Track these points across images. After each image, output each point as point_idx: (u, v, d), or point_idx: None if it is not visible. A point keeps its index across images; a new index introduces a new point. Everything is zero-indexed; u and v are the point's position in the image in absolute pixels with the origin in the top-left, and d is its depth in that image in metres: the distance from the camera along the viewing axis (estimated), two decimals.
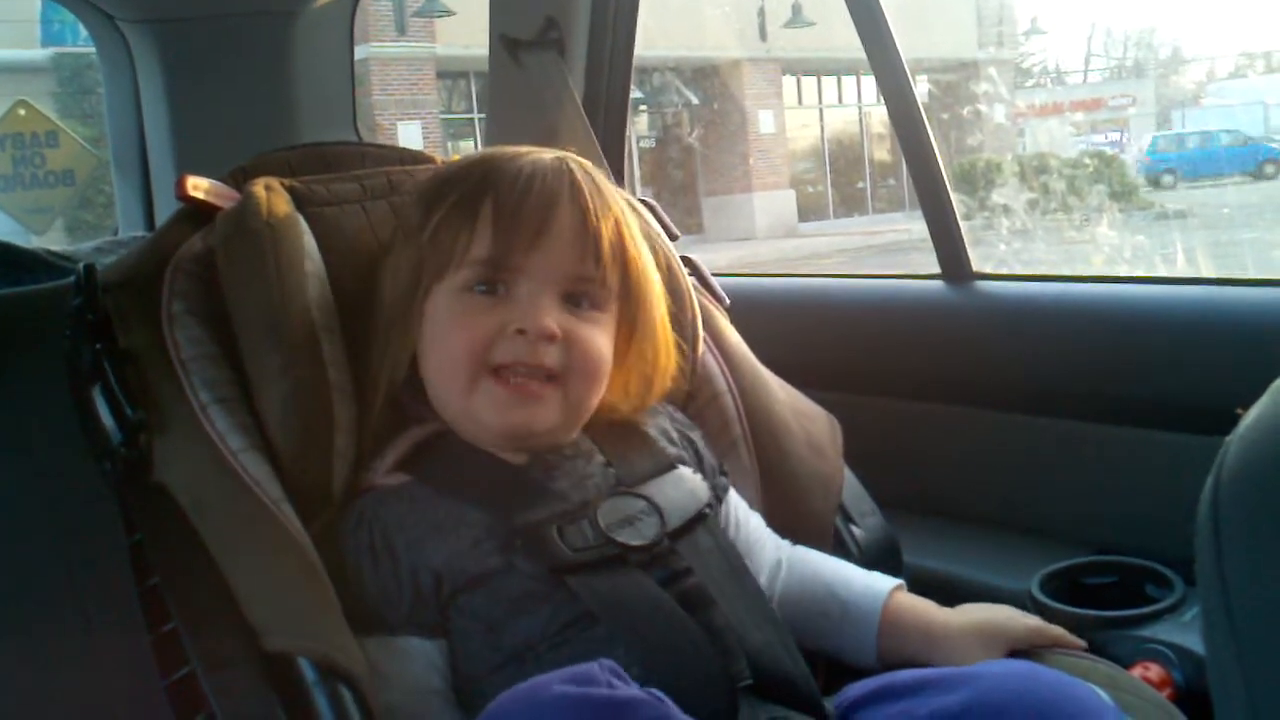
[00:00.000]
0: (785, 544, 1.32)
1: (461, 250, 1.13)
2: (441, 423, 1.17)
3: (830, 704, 1.08)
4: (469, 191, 1.15)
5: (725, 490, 1.28)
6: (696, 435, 1.30)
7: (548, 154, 1.19)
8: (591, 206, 1.15)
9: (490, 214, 1.13)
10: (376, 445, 1.17)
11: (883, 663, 1.21)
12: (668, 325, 1.25)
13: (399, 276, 1.17)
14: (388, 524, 1.08)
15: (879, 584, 1.27)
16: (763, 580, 1.25)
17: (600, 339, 1.15)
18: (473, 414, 1.13)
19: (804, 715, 1.04)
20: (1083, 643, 1.21)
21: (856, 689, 1.07)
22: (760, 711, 1.03)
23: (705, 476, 1.24)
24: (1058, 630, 1.21)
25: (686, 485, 1.18)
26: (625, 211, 1.21)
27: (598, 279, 1.15)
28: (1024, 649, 1.16)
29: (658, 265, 1.31)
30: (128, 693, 1.12)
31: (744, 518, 1.29)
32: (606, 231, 1.15)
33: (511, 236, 1.12)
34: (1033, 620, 1.22)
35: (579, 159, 1.21)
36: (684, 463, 1.22)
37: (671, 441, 1.25)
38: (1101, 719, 0.95)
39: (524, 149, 1.20)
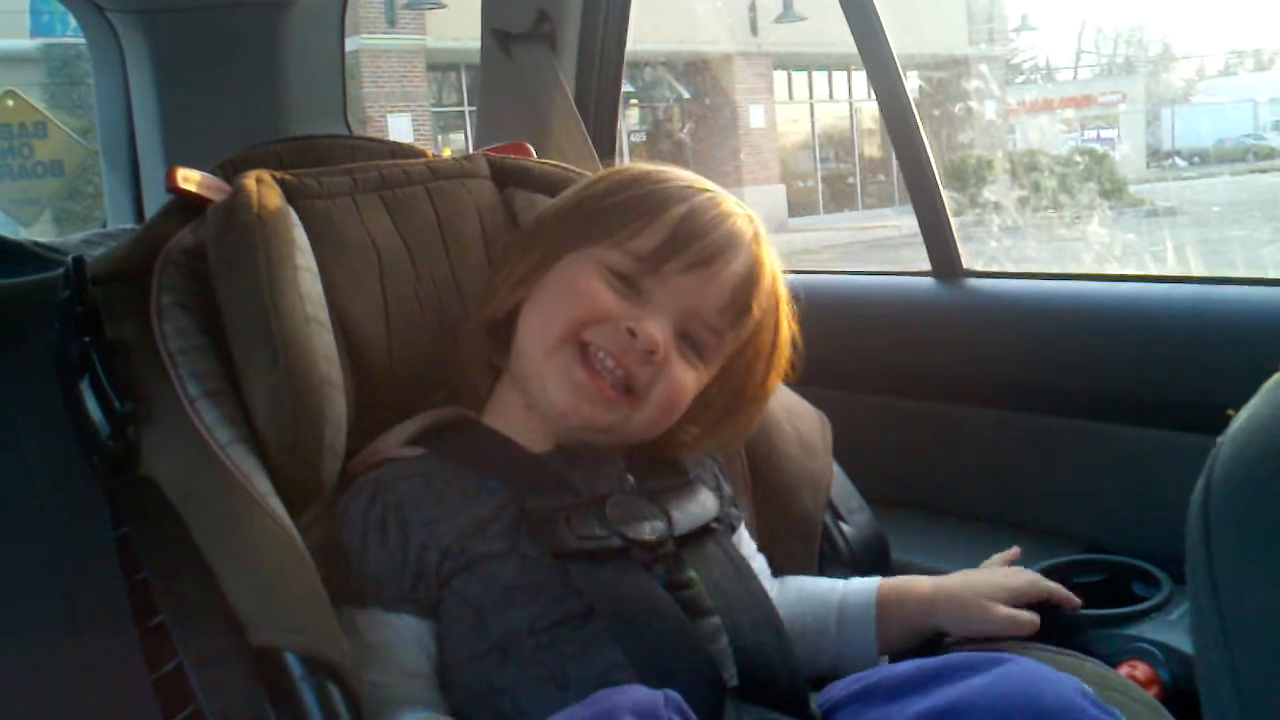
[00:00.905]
0: (774, 581, 1.33)
1: (628, 235, 1.16)
2: (465, 407, 1.20)
3: (814, 704, 1.09)
4: (664, 194, 1.18)
5: (738, 521, 1.29)
6: (715, 467, 1.31)
7: (743, 210, 1.22)
8: (764, 274, 1.18)
9: (675, 221, 1.16)
10: (375, 436, 1.18)
11: (889, 650, 1.25)
12: (752, 424, 1.28)
13: (535, 242, 1.21)
14: (403, 500, 1.09)
15: (866, 581, 1.30)
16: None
17: (690, 382, 1.16)
18: (544, 379, 1.14)
19: (787, 717, 1.05)
20: (1078, 600, 1.25)
21: (839, 688, 1.08)
22: (746, 713, 1.03)
23: (720, 503, 1.25)
24: (1054, 585, 1.26)
25: (699, 498, 1.19)
26: (782, 304, 1.23)
27: (723, 336, 1.17)
28: (1007, 643, 1.17)
29: None
30: (115, 687, 1.11)
31: (749, 555, 1.29)
32: (759, 304, 1.18)
33: (681, 249, 1.15)
34: (1030, 574, 1.27)
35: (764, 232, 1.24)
36: (700, 482, 1.23)
37: (694, 462, 1.26)
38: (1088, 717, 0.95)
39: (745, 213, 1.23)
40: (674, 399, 1.15)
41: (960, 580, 1.29)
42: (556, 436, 1.17)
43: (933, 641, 1.25)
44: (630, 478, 1.17)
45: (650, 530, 1.11)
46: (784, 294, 1.23)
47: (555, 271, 1.17)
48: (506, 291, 1.20)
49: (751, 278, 1.17)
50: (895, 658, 1.10)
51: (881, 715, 1.01)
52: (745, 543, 1.30)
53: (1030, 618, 1.23)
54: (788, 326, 1.24)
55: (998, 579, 1.28)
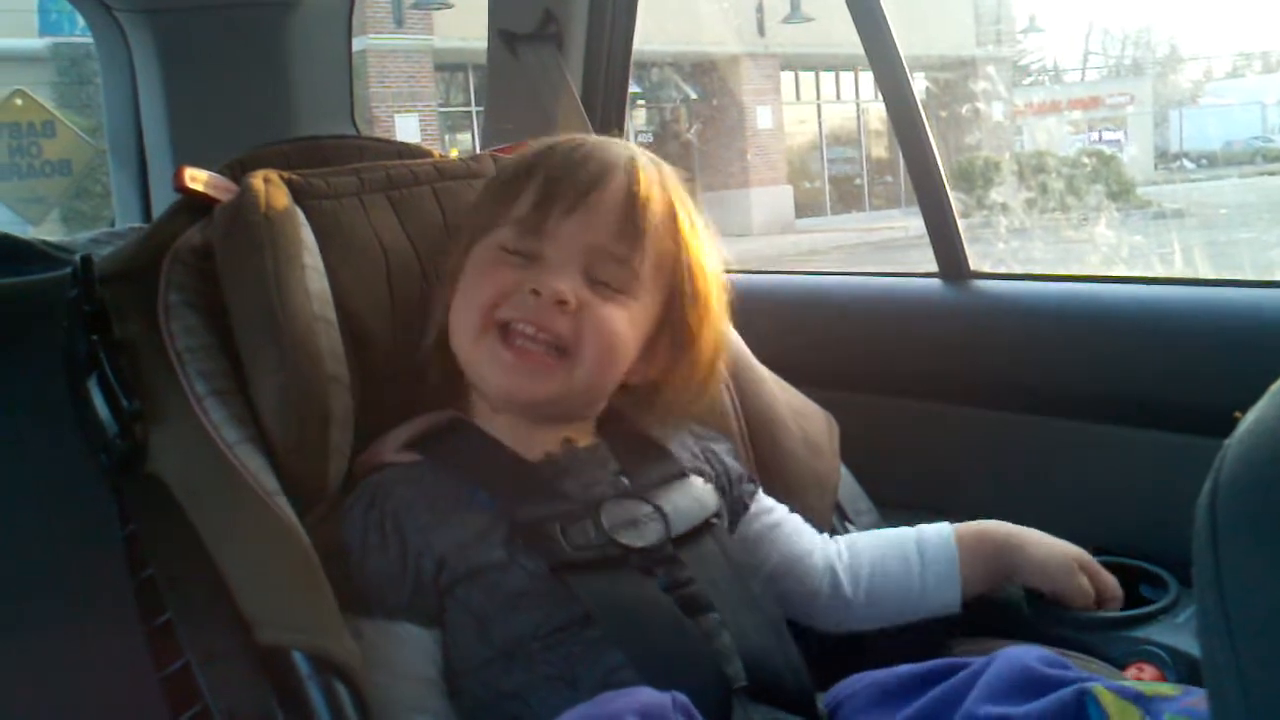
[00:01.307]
0: (830, 539, 1.34)
1: (505, 209, 1.16)
2: (460, 409, 1.19)
3: (820, 703, 1.09)
4: (527, 160, 1.20)
5: (752, 496, 1.29)
6: (721, 447, 1.31)
7: (622, 144, 1.21)
8: (644, 190, 1.16)
9: (541, 177, 1.16)
10: (382, 434, 1.18)
11: (970, 592, 1.29)
12: (716, 349, 1.25)
13: (457, 238, 1.21)
14: (399, 506, 1.08)
15: (938, 527, 1.33)
16: (818, 573, 1.29)
17: (618, 320, 1.14)
18: (479, 368, 1.15)
19: (795, 716, 1.05)
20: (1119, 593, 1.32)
21: (844, 688, 1.08)
22: (754, 713, 1.03)
23: (728, 487, 1.26)
24: (1110, 580, 1.32)
25: (694, 494, 1.18)
26: (690, 218, 1.21)
27: (629, 261, 1.15)
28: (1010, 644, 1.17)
29: None
30: (122, 685, 1.12)
31: (780, 518, 1.31)
32: (653, 219, 1.16)
33: (553, 196, 1.14)
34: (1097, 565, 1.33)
35: (658, 162, 1.23)
36: (698, 474, 1.22)
37: (695, 456, 1.25)
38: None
39: (617, 140, 1.23)
40: (607, 340, 1.14)
41: (1038, 533, 1.33)
42: (544, 435, 1.17)
43: (937, 644, 1.26)
44: (624, 479, 1.16)
45: (647, 534, 1.10)
46: (684, 210, 1.21)
47: (466, 266, 1.18)
48: (441, 296, 1.20)
49: (635, 195, 1.16)
50: (896, 661, 1.10)
51: (885, 713, 1.03)
52: (767, 514, 1.30)
53: (1111, 582, 1.32)
54: (703, 241, 1.23)
55: (1069, 546, 1.33)
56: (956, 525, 1.32)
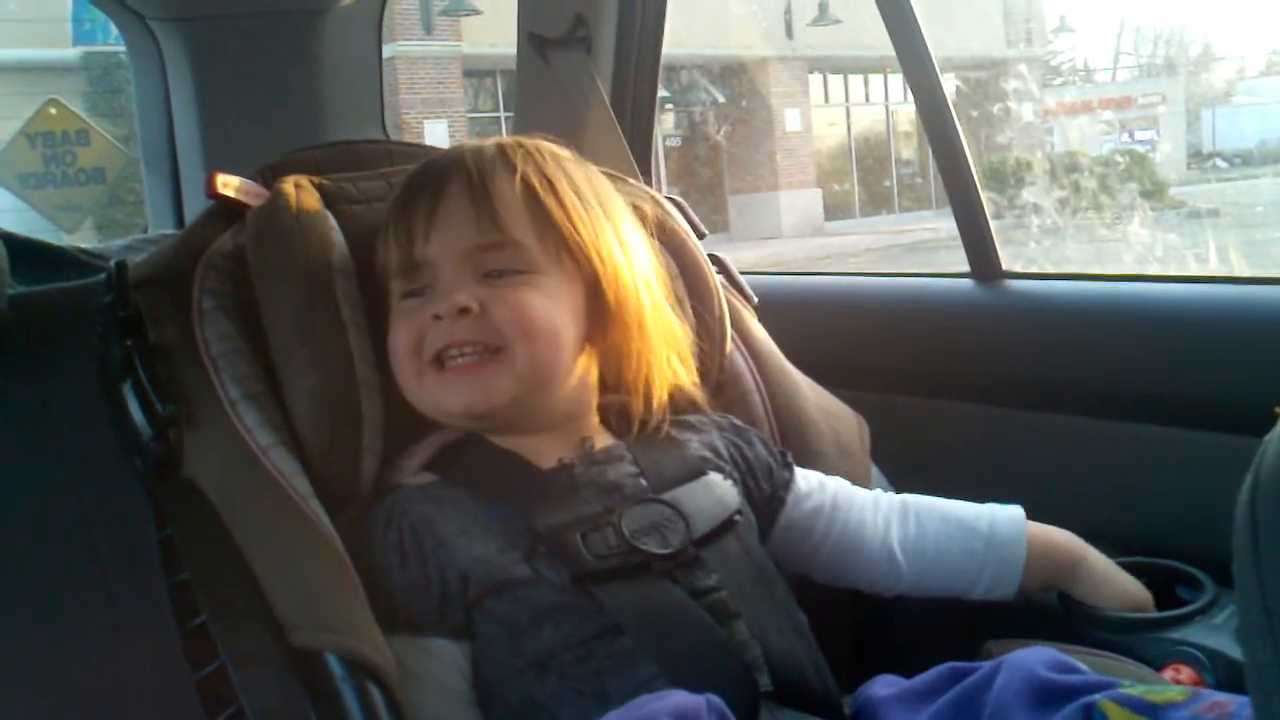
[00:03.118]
0: (895, 497, 1.35)
1: (386, 261, 1.16)
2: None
3: (846, 706, 1.08)
4: (391, 203, 1.19)
5: (787, 487, 1.29)
6: (753, 437, 1.30)
7: (469, 143, 1.20)
8: (476, 176, 1.14)
9: (392, 220, 1.16)
10: (408, 441, 1.18)
11: (1022, 593, 1.29)
12: (653, 295, 1.22)
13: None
14: (416, 523, 1.07)
15: (1011, 513, 1.32)
16: (880, 538, 1.29)
17: (531, 297, 1.12)
18: (434, 406, 1.14)
19: None
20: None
21: (869, 690, 1.08)
22: (781, 717, 1.02)
23: (758, 483, 1.25)
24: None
25: (715, 493, 1.17)
26: (566, 175, 1.19)
27: (505, 242, 1.13)
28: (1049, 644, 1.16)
29: (683, 261, 1.32)
30: (157, 687, 1.13)
31: (827, 499, 1.31)
32: (503, 193, 1.14)
33: (408, 229, 1.14)
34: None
35: (523, 139, 1.20)
36: (719, 471, 1.21)
37: (717, 454, 1.24)
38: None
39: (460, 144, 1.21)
40: (522, 317, 1.11)
41: (1111, 567, 1.33)
42: (558, 443, 1.16)
43: (971, 644, 1.25)
44: (643, 480, 1.16)
45: (668, 539, 1.09)
46: (567, 175, 1.19)
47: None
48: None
49: (473, 183, 1.14)
50: (926, 664, 1.09)
51: (912, 713, 1.02)
52: (808, 498, 1.30)
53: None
54: (591, 200, 1.19)
55: (1134, 588, 1.32)
56: (1030, 527, 1.31)
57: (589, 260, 1.16)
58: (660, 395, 1.23)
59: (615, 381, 1.22)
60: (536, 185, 1.15)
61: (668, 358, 1.23)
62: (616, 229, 1.20)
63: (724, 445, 1.26)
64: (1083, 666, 1.01)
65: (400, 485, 1.14)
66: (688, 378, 1.27)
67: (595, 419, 1.22)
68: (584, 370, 1.19)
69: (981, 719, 0.97)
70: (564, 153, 1.23)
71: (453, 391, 1.11)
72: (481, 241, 1.12)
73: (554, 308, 1.13)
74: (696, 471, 1.18)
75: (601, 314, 1.18)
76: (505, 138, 1.20)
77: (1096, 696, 0.93)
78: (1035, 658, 0.99)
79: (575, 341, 1.16)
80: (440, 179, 1.15)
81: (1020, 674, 0.97)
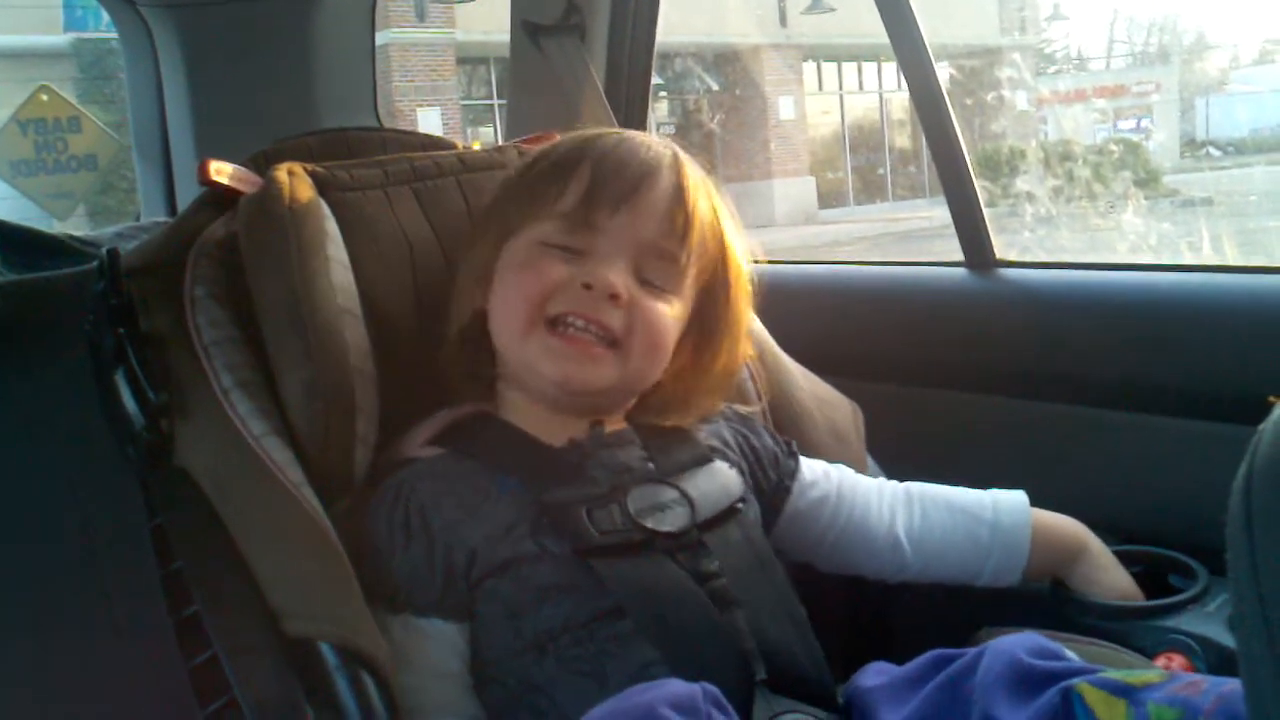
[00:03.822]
0: (899, 485, 1.35)
1: (550, 202, 1.16)
2: (483, 404, 1.19)
3: (840, 695, 1.09)
4: (568, 153, 1.19)
5: (793, 476, 1.30)
6: (758, 425, 1.32)
7: (660, 140, 1.22)
8: (690, 186, 1.17)
9: (587, 172, 1.15)
10: (405, 427, 1.18)
11: (1025, 579, 1.31)
12: (735, 349, 1.25)
13: (485, 232, 1.21)
14: (425, 502, 1.08)
15: (1015, 499, 1.33)
16: (885, 526, 1.30)
17: (667, 315, 1.15)
18: (529, 362, 1.14)
19: (816, 709, 1.05)
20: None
21: (861, 678, 1.09)
22: (775, 705, 1.03)
23: (764, 472, 1.26)
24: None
25: (720, 480, 1.18)
26: (727, 217, 1.23)
27: (677, 260, 1.16)
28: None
29: None
30: (150, 677, 1.12)
31: (832, 489, 1.32)
32: (700, 217, 1.17)
33: (602, 193, 1.14)
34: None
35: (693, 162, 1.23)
36: (724, 460, 1.22)
37: (724, 443, 1.25)
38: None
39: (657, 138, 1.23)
40: (656, 335, 1.14)
41: (1111, 559, 1.34)
42: (569, 425, 1.17)
43: (965, 632, 1.25)
44: (650, 464, 1.16)
45: (673, 519, 1.10)
46: (721, 209, 1.23)
47: (503, 260, 1.17)
48: (469, 291, 1.20)
49: (680, 194, 1.16)
50: (921, 653, 1.10)
51: (901, 700, 1.03)
52: (814, 487, 1.31)
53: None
54: (740, 241, 1.24)
55: (1126, 582, 1.33)
56: (1035, 514, 1.32)
57: (713, 301, 1.21)
58: (696, 408, 1.25)
59: (675, 389, 1.24)
60: (721, 225, 1.21)
61: (729, 380, 1.29)
62: (743, 269, 1.24)
63: (731, 435, 1.26)
64: (1066, 652, 1.02)
65: (408, 459, 1.14)
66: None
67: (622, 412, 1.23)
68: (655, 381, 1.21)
69: (966, 704, 0.98)
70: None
71: (559, 358, 1.12)
72: (662, 247, 1.15)
73: (674, 327, 1.17)
74: (703, 458, 1.19)
75: (686, 346, 1.21)
76: (679, 152, 1.22)
77: (1074, 680, 0.94)
78: (1018, 643, 1.00)
79: (668, 361, 1.19)
80: (652, 166, 1.17)
81: (1002, 659, 0.98)
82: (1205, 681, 0.90)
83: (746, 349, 1.29)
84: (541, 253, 1.14)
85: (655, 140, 1.21)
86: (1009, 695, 0.96)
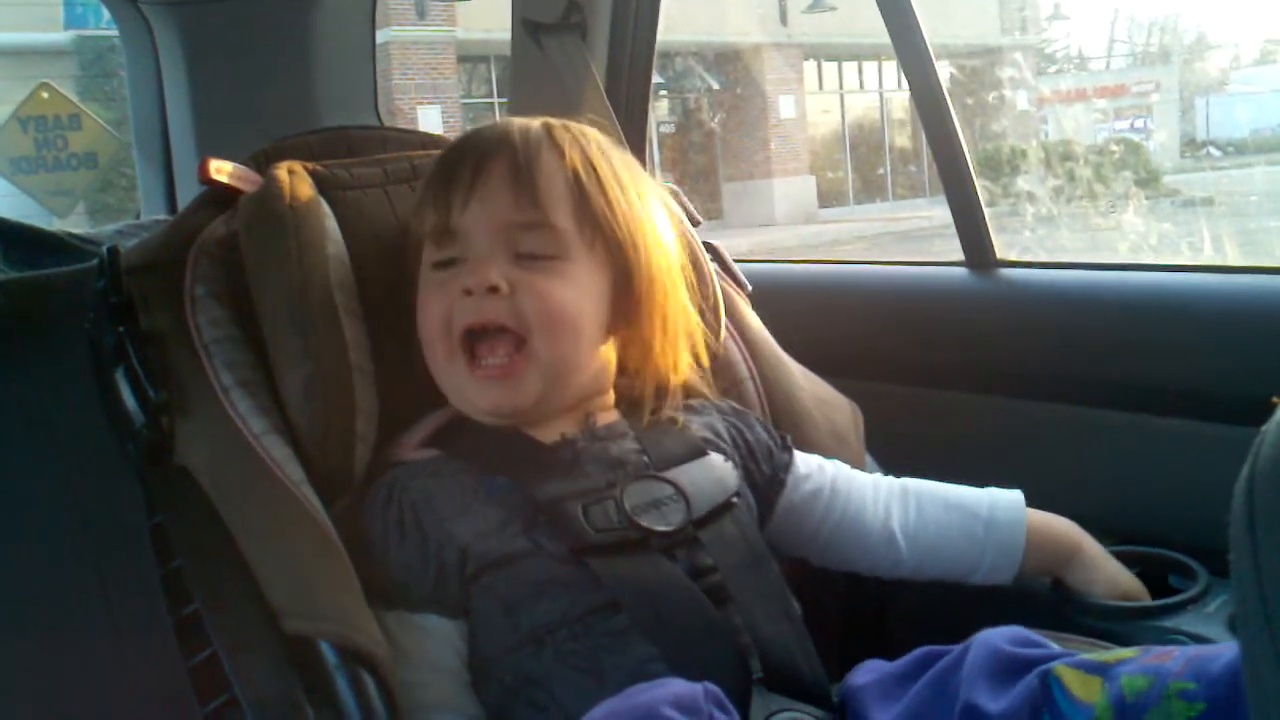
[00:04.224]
0: (895, 481, 1.35)
1: (420, 225, 1.16)
2: None
3: (835, 693, 1.09)
4: (432, 168, 1.19)
5: (787, 469, 1.29)
6: (752, 419, 1.31)
7: (517, 119, 1.19)
8: (523, 151, 1.14)
9: (433, 179, 1.16)
10: (405, 425, 1.18)
11: (1021, 578, 1.30)
12: (675, 296, 1.22)
13: (412, 261, 1.20)
14: (417, 499, 1.08)
15: (1011, 498, 1.32)
16: (880, 521, 1.30)
17: (559, 288, 1.12)
18: (458, 393, 1.14)
19: (812, 707, 1.05)
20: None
21: (856, 676, 1.09)
22: (771, 703, 1.03)
23: (758, 465, 1.26)
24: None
25: (715, 473, 1.17)
26: (612, 170, 1.18)
27: (542, 223, 1.13)
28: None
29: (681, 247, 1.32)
30: (150, 675, 1.12)
31: (826, 482, 1.31)
32: (547, 174, 1.14)
33: (447, 196, 1.13)
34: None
35: (568, 122, 1.21)
36: (719, 453, 1.21)
37: (718, 435, 1.25)
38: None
39: (509, 118, 1.21)
40: (551, 311, 1.11)
41: (1107, 558, 1.33)
42: (561, 421, 1.17)
43: (962, 632, 1.25)
44: (645, 458, 1.16)
45: (668, 516, 1.10)
46: (609, 162, 1.19)
47: (419, 288, 1.18)
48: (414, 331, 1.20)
49: (518, 160, 1.13)
50: (908, 647, 1.10)
51: (892, 698, 1.04)
52: (808, 480, 1.30)
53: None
54: (631, 190, 1.19)
55: (1125, 578, 1.32)
56: (1030, 513, 1.31)
57: (623, 251, 1.16)
58: (674, 385, 1.24)
59: (631, 367, 1.23)
60: (580, 170, 1.15)
61: (683, 349, 1.24)
62: (651, 220, 1.21)
63: (724, 427, 1.26)
64: (1048, 642, 1.03)
65: (401, 461, 1.14)
66: (696, 367, 1.28)
67: (606, 399, 1.22)
68: (603, 357, 1.19)
69: (954, 698, 0.98)
70: (607, 139, 1.23)
71: (482, 392, 1.12)
72: (519, 219, 1.12)
73: (580, 298, 1.14)
74: (698, 451, 1.19)
75: (626, 303, 1.18)
76: (553, 119, 1.20)
77: (1052, 663, 0.95)
78: (1001, 635, 1.01)
79: (597, 330, 1.16)
80: (485, 151, 1.14)
81: (985, 650, 0.99)
82: (1175, 650, 0.91)
83: (682, 300, 1.24)
84: (430, 281, 1.15)
85: (502, 122, 1.19)
86: (990, 683, 0.97)
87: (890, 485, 1.34)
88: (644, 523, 1.08)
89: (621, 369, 1.23)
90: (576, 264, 1.14)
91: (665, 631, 1.03)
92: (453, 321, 1.11)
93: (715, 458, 1.20)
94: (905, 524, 1.30)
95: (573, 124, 1.21)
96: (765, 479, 1.27)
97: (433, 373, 1.16)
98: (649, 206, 1.21)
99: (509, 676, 1.04)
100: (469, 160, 1.14)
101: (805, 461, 1.32)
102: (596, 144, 1.20)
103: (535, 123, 1.18)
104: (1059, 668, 0.94)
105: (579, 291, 1.14)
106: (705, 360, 1.31)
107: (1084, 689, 0.91)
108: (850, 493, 1.31)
